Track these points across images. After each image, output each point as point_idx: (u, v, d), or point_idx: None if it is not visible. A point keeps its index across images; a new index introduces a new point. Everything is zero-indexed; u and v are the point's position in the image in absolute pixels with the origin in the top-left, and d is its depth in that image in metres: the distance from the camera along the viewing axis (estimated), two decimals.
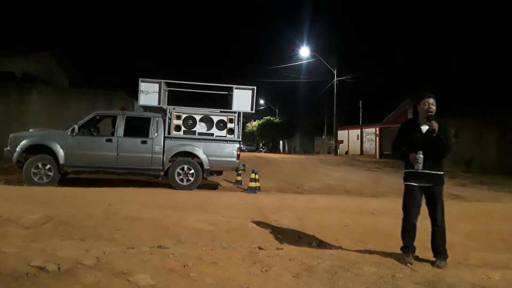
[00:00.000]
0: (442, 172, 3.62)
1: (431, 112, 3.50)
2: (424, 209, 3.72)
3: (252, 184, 8.72)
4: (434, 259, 3.60)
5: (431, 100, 3.53)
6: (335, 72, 29.04)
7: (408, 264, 3.45)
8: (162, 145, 8.52)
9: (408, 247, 3.65)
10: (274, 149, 47.20)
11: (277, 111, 49.74)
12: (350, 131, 33.80)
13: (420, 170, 3.52)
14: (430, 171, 3.54)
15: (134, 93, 10.48)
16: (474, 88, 23.62)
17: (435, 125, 3.41)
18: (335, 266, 3.15)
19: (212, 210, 5.69)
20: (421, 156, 3.46)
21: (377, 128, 28.36)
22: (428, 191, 3.62)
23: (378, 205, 6.77)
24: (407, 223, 3.69)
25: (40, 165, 8.10)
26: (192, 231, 4.54)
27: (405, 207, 3.71)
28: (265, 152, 38.20)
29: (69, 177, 9.10)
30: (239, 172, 10.01)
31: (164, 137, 8.55)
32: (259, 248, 3.87)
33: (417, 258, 3.78)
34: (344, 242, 4.49)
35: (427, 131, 3.51)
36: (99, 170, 8.55)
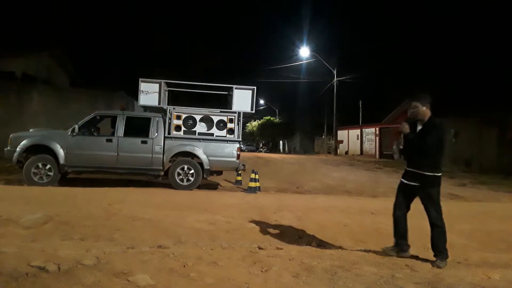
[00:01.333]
0: (429, 173, 3.59)
1: (409, 114, 3.74)
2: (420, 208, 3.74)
3: (252, 184, 8.71)
4: (434, 258, 3.60)
5: (412, 104, 3.71)
6: (335, 72, 29.05)
7: (386, 254, 3.61)
8: (162, 145, 8.53)
9: (395, 240, 3.78)
10: (274, 149, 47.20)
11: (277, 111, 49.75)
12: (350, 131, 33.83)
13: (407, 168, 3.76)
14: (415, 170, 3.67)
15: (134, 93, 10.49)
16: (474, 88, 23.61)
17: (401, 126, 3.69)
18: (335, 266, 3.15)
19: (212, 210, 5.69)
20: (395, 147, 3.74)
21: (377, 128, 28.36)
22: (418, 191, 3.71)
23: (378, 205, 6.77)
24: (394, 216, 3.84)
25: (40, 165, 8.10)
26: (192, 231, 4.54)
27: (394, 202, 3.88)
28: (265, 152, 38.19)
29: (69, 177, 9.11)
30: (239, 172, 10.02)
31: (164, 137, 8.56)
32: (259, 248, 3.87)
33: (417, 258, 3.78)
34: (344, 242, 4.49)
35: (418, 130, 3.70)
36: (99, 170, 8.55)
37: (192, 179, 8.48)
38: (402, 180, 3.82)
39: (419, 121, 3.68)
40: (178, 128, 8.62)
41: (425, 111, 3.63)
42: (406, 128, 3.67)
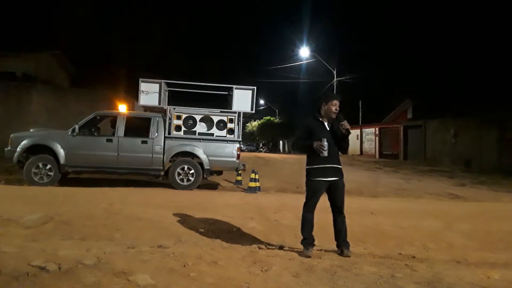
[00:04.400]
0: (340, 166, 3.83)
1: (336, 112, 3.75)
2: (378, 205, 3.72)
3: (252, 184, 8.71)
4: (433, 258, 3.60)
5: (338, 102, 3.75)
6: (334, 72, 29.05)
7: (308, 256, 3.53)
8: (163, 145, 8.53)
9: (307, 239, 3.74)
10: (274, 149, 47.16)
11: (277, 111, 49.74)
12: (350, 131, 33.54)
13: (328, 165, 3.71)
14: (337, 166, 3.77)
15: (134, 93, 10.49)
16: (474, 88, 23.62)
17: (348, 124, 3.68)
18: (335, 266, 3.16)
19: (212, 210, 5.69)
20: (326, 143, 3.61)
21: (377, 128, 28.33)
22: (333, 185, 3.78)
23: (378, 205, 6.77)
24: (307, 216, 3.78)
25: (40, 165, 8.11)
26: (192, 231, 4.55)
27: (309, 202, 3.80)
28: (265, 152, 38.17)
29: (69, 177, 9.11)
30: (239, 172, 10.02)
31: (165, 137, 8.56)
32: (259, 248, 3.88)
33: (415, 258, 3.79)
34: None
35: (332, 128, 3.76)
36: (99, 170, 8.55)
37: (192, 179, 8.48)
38: (320, 179, 3.71)
39: (326, 117, 3.77)
40: (178, 128, 8.62)
41: None
42: (349, 125, 3.73)
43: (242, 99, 8.92)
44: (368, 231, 4.87)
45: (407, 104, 28.27)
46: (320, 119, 3.80)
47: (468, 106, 19.62)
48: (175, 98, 9.66)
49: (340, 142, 3.78)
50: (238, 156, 8.70)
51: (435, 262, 3.63)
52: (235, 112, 8.82)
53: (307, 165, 3.78)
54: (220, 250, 3.60)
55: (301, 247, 3.71)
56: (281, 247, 4.06)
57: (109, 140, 8.43)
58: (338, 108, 3.75)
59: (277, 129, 44.36)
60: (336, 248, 3.80)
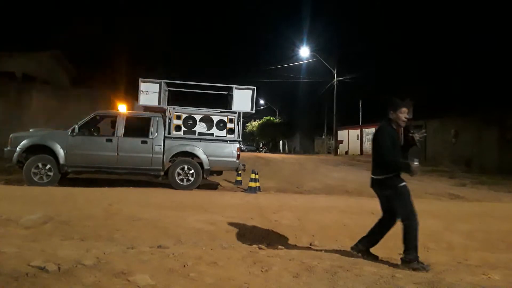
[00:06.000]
0: None
1: (405, 120, 3.55)
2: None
3: (252, 184, 8.71)
4: (433, 258, 3.59)
5: (407, 110, 3.54)
6: (335, 72, 29.05)
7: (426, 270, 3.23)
8: (162, 145, 8.52)
9: (415, 249, 3.45)
10: (274, 149, 47.21)
11: (277, 111, 49.77)
12: (350, 131, 33.81)
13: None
14: None
15: (134, 93, 10.49)
16: (474, 88, 23.63)
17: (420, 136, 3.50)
18: (335, 266, 3.15)
19: (212, 210, 5.69)
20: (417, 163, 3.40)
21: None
22: None
23: (378, 205, 6.75)
24: (417, 225, 3.47)
25: (40, 165, 8.10)
26: (192, 231, 4.54)
27: (412, 208, 3.52)
28: (265, 152, 38.20)
29: (69, 177, 9.10)
30: (239, 172, 10.01)
31: (164, 137, 8.55)
32: (259, 248, 3.87)
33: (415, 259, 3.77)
34: (344, 242, 4.49)
35: (405, 138, 3.59)
36: (99, 170, 8.54)
37: (192, 179, 8.47)
38: (406, 183, 3.53)
39: (396, 125, 3.61)
40: (178, 128, 8.61)
41: None
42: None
43: (242, 99, 8.92)
44: None
45: (408, 104, 28.24)
46: (395, 127, 3.59)
47: (468, 106, 19.63)
48: (175, 98, 9.66)
49: (403, 151, 3.61)
50: (238, 156, 8.69)
51: (435, 263, 3.62)
52: (235, 112, 8.81)
53: (389, 173, 3.61)
54: (220, 251, 3.60)
55: (301, 247, 3.69)
56: (281, 247, 4.05)
57: (109, 140, 8.42)
58: (407, 116, 3.51)
59: (277, 129, 44.41)
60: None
